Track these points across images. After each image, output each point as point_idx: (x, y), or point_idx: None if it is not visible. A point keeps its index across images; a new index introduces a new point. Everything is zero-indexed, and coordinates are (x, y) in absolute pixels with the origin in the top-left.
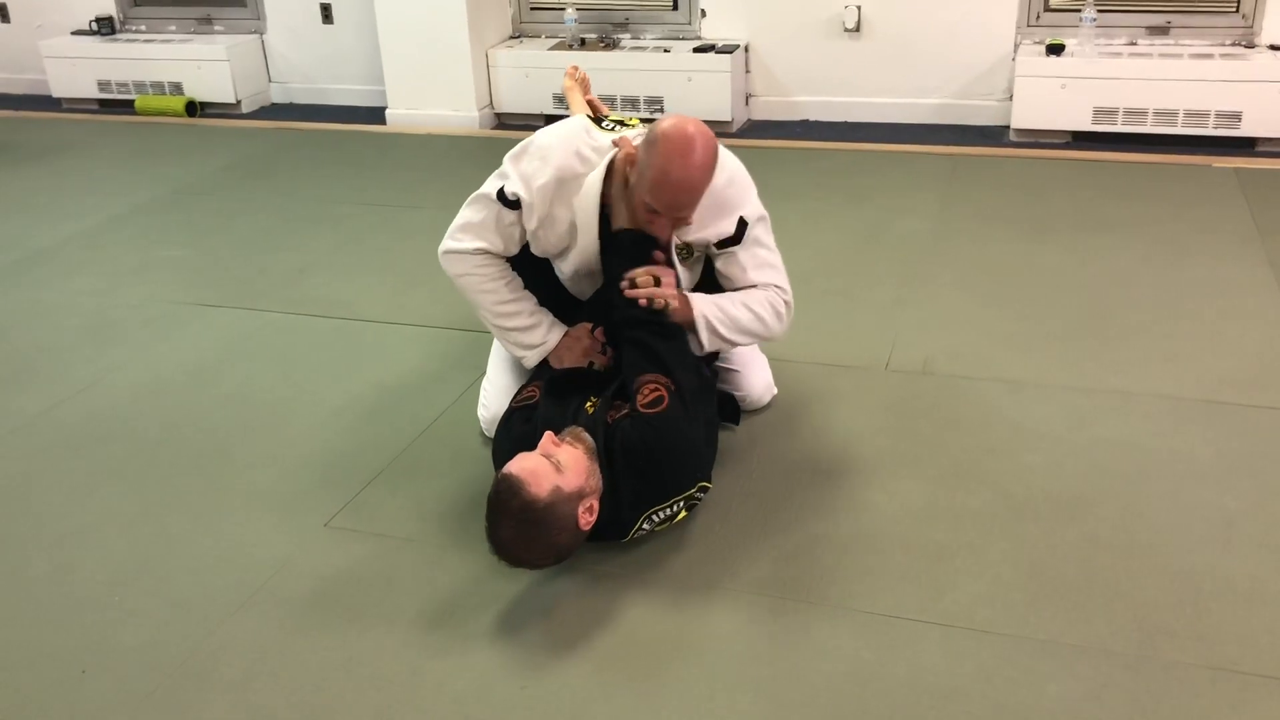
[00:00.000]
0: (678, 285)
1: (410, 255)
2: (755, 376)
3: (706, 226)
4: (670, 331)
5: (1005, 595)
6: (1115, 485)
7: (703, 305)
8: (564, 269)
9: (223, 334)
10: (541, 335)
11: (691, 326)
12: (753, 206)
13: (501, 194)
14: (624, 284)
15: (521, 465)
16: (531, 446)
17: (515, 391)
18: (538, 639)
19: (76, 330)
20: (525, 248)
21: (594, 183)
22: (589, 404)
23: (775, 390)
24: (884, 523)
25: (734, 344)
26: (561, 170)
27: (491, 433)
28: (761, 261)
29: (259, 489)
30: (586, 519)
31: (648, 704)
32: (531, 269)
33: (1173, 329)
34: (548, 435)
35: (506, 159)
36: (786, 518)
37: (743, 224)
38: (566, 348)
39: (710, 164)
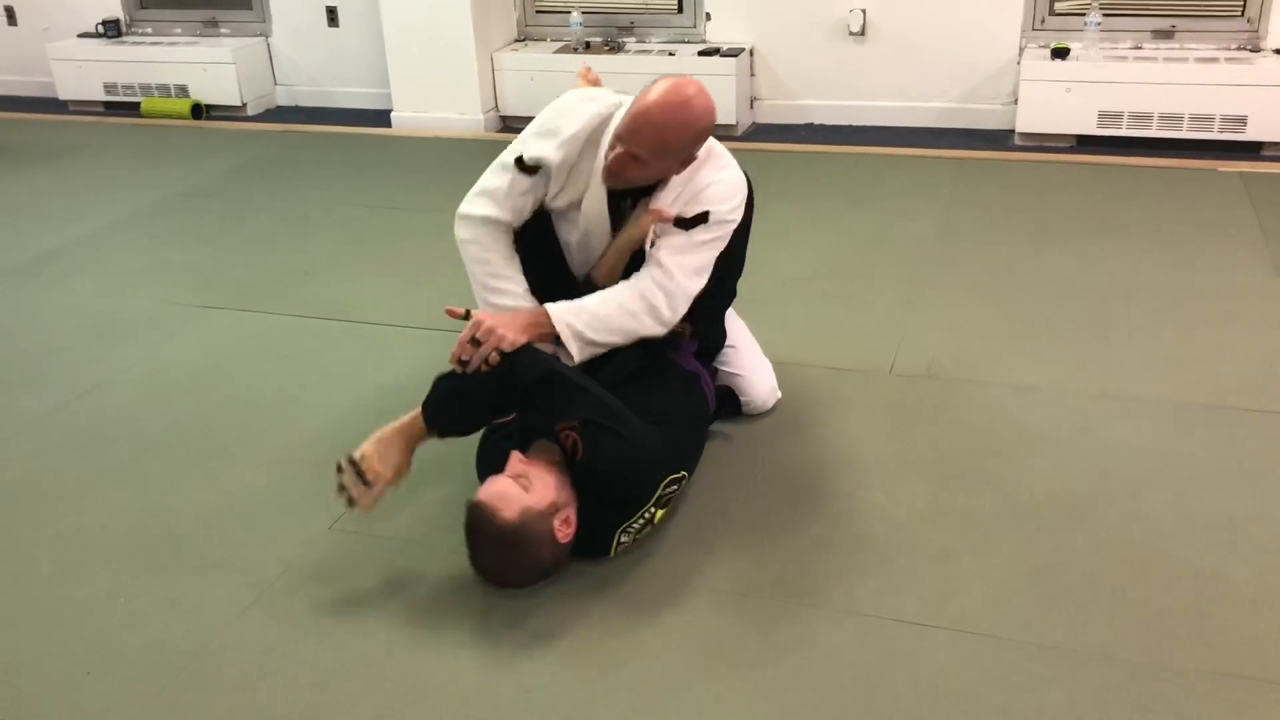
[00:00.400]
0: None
1: (415, 257)
2: (759, 381)
3: (681, 199)
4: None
5: (1010, 599)
6: (1120, 489)
7: (561, 314)
8: (573, 232)
9: (228, 336)
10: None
11: (555, 339)
12: (723, 213)
13: (520, 161)
14: (456, 368)
15: (489, 490)
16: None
17: None
18: (541, 642)
19: (82, 331)
20: (535, 221)
21: (619, 117)
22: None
23: (779, 394)
24: (888, 526)
25: (611, 345)
26: (589, 113)
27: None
28: (684, 246)
29: (263, 491)
30: (565, 531)
31: (651, 707)
32: (534, 246)
33: (1178, 333)
34: (515, 455)
35: (523, 134)
36: (790, 520)
37: (704, 216)
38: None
39: (691, 124)
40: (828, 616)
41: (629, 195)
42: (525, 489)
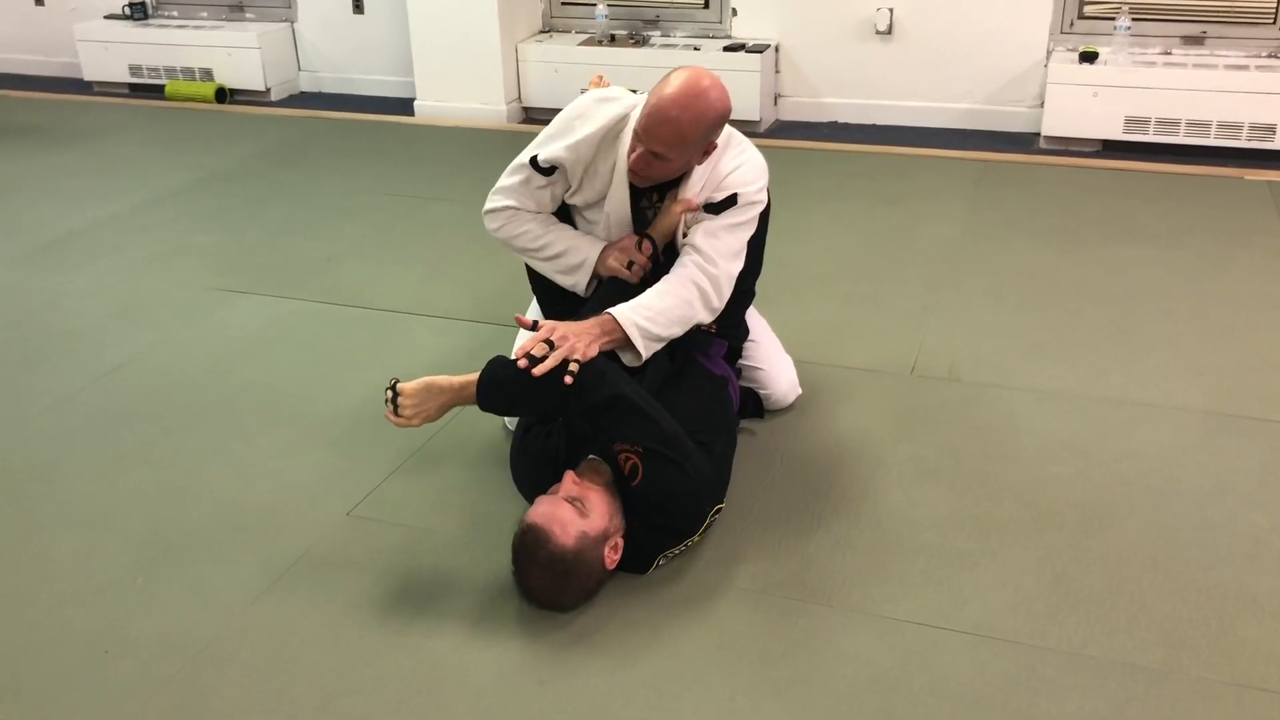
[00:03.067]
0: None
1: (437, 247)
2: (780, 376)
3: (706, 190)
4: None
5: (1029, 605)
6: (1141, 498)
7: (626, 315)
8: (597, 230)
9: (249, 320)
10: (583, 253)
11: (626, 343)
12: (749, 196)
13: (534, 162)
14: (522, 362)
15: (546, 513)
16: (553, 464)
17: None
18: (558, 636)
19: (104, 314)
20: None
21: (633, 122)
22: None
23: (800, 390)
24: (907, 529)
25: (671, 336)
26: (605, 116)
27: (512, 424)
28: (719, 229)
29: (282, 476)
30: (612, 558)
31: (667, 704)
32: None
33: (1201, 341)
34: (569, 476)
35: (552, 125)
36: (809, 520)
37: (733, 199)
38: (609, 254)
39: (707, 115)
40: (845, 618)
41: (653, 191)
42: (581, 514)
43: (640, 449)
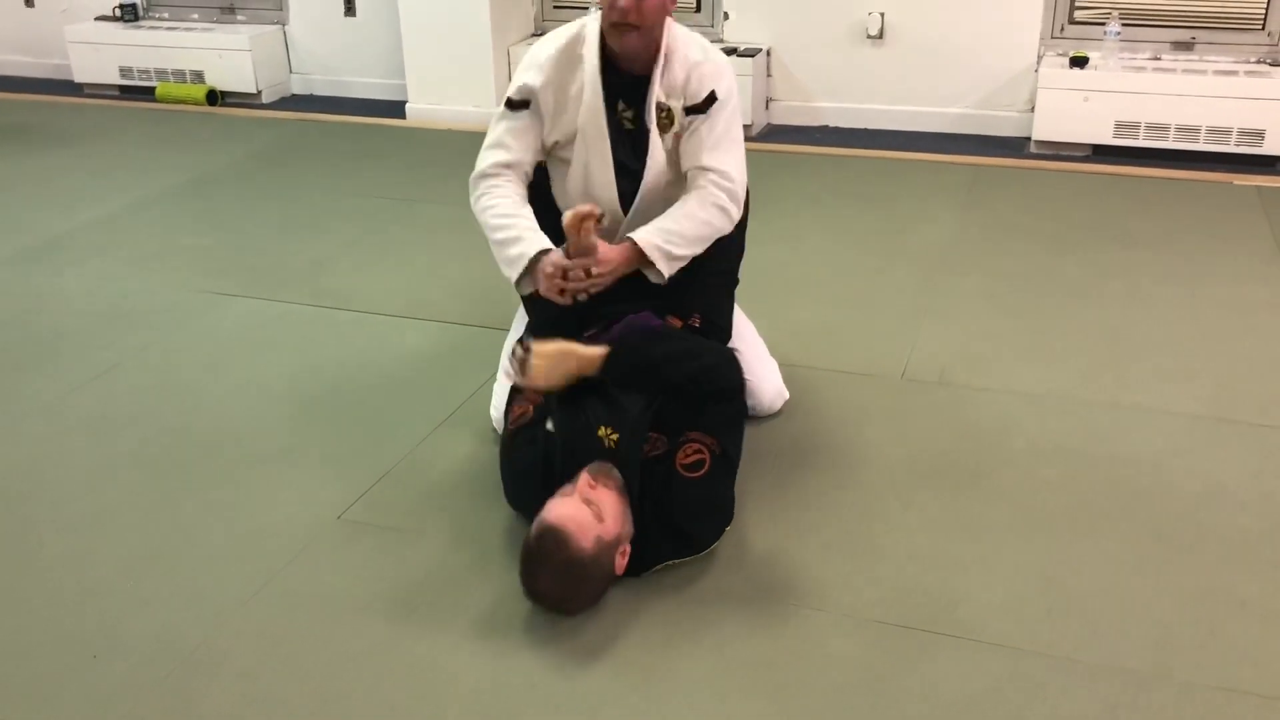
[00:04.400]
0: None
1: (428, 249)
2: (765, 382)
3: (679, 84)
4: (725, 387)
5: (1019, 609)
6: (1132, 502)
7: (647, 236)
8: (575, 173)
9: (239, 323)
10: (521, 249)
11: (646, 261)
12: (726, 89)
13: (509, 102)
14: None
15: (565, 514)
16: (542, 478)
17: (508, 400)
18: (549, 639)
19: (94, 316)
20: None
21: (592, 25)
22: (603, 432)
23: (786, 395)
24: (898, 533)
25: (692, 255)
26: (561, 36)
27: (502, 428)
28: (719, 141)
29: (273, 479)
30: (621, 563)
31: (659, 708)
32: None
33: (1191, 345)
34: (585, 476)
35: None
36: (799, 525)
37: (713, 97)
38: (539, 275)
39: None
40: (836, 622)
41: (619, 99)
42: (598, 517)
43: (718, 448)
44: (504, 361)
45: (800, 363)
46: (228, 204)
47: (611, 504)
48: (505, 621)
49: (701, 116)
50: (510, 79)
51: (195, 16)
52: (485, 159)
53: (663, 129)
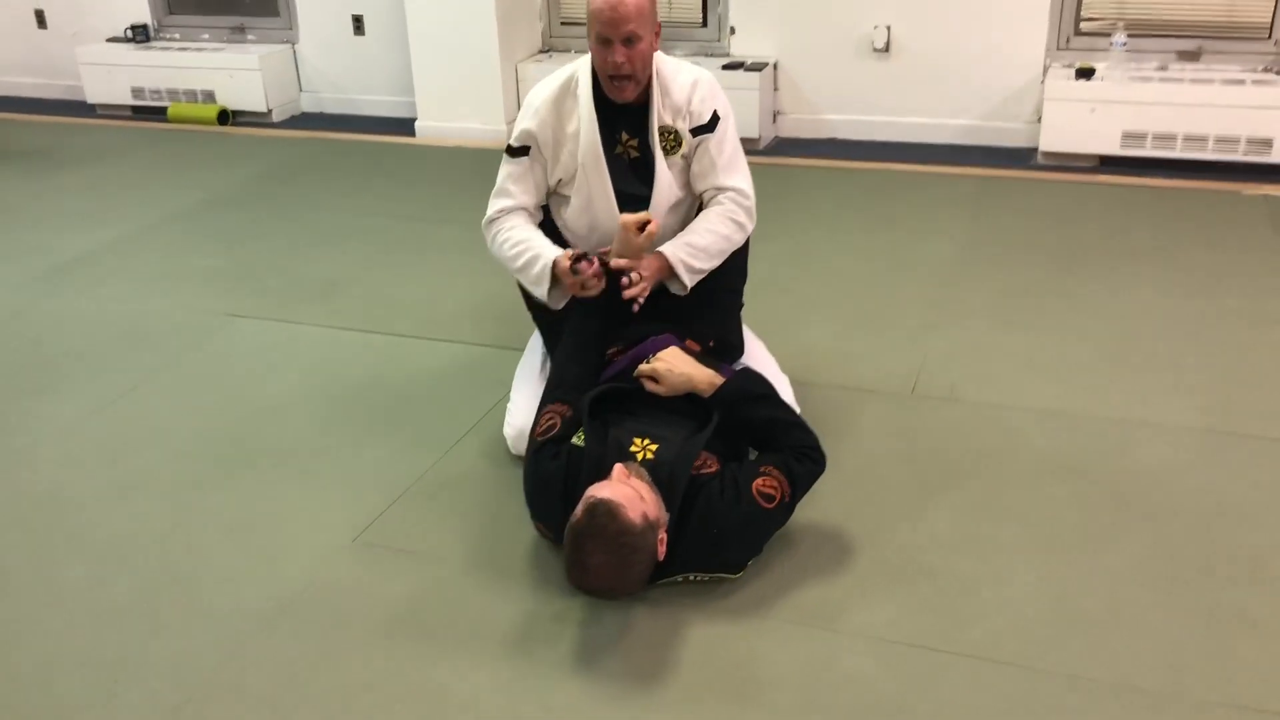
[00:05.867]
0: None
1: (439, 268)
2: None
3: (682, 105)
4: (811, 446)
5: (1031, 628)
6: (1141, 518)
7: (674, 251)
8: (579, 209)
9: (253, 344)
10: (542, 259)
11: (671, 273)
12: (724, 105)
13: (509, 149)
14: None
15: (613, 490)
16: (565, 486)
17: (536, 412)
18: (564, 662)
19: (109, 339)
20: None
21: (584, 67)
22: (640, 443)
23: (798, 410)
24: (910, 551)
25: (710, 269)
26: (555, 81)
27: (516, 449)
28: (730, 160)
29: (288, 502)
30: (661, 550)
31: None
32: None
33: (1200, 359)
34: (618, 469)
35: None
36: (811, 542)
37: (716, 115)
38: (560, 274)
39: None
40: (848, 641)
41: (621, 130)
42: (641, 496)
43: (789, 496)
44: (517, 377)
45: (809, 379)
46: (240, 224)
47: (648, 491)
48: (524, 647)
49: (709, 135)
50: (519, 96)
51: (206, 37)
52: (491, 206)
53: (669, 152)
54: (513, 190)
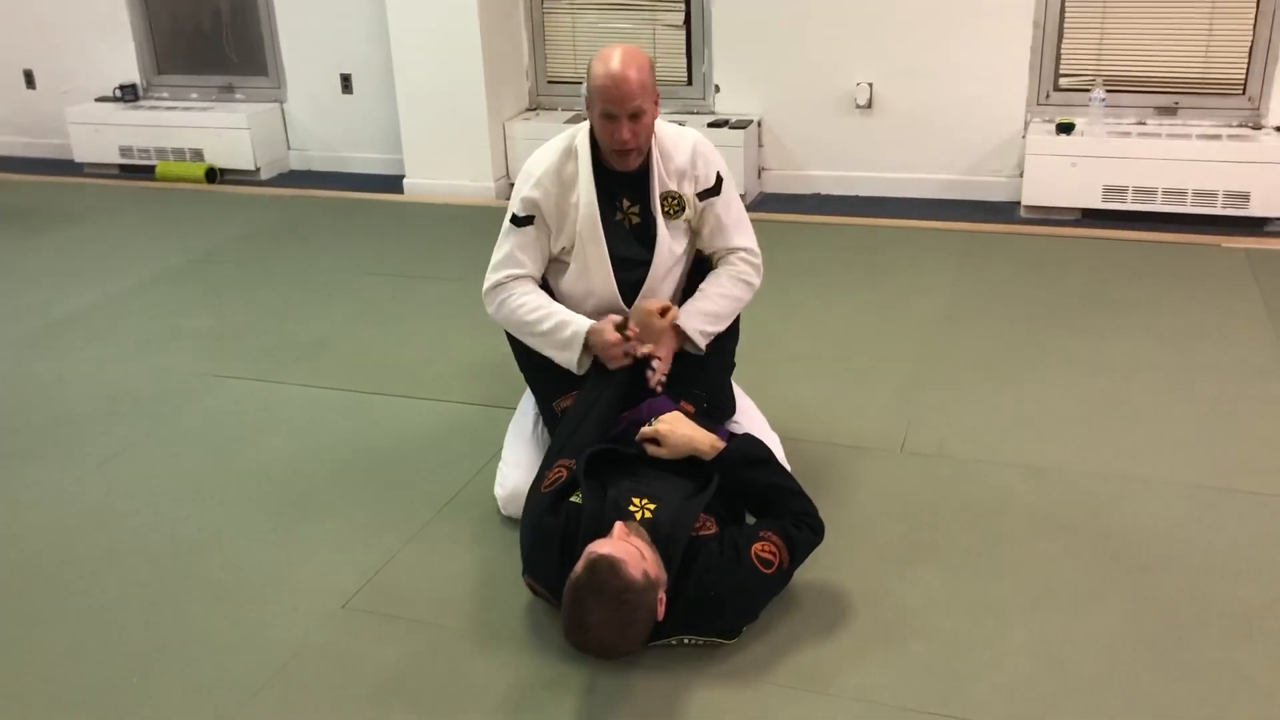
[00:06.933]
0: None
1: (428, 327)
2: None
3: (685, 169)
4: (809, 512)
5: (1025, 689)
6: (1133, 575)
7: (689, 321)
8: (576, 274)
9: (241, 406)
10: (572, 329)
11: (689, 342)
12: (723, 167)
13: (514, 219)
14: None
15: (615, 547)
16: (564, 542)
17: (540, 469)
18: None
19: (96, 402)
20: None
21: (583, 136)
22: (639, 503)
23: (789, 469)
24: (902, 611)
25: (721, 330)
26: (554, 150)
27: (507, 511)
28: (738, 219)
29: (276, 567)
30: (660, 611)
31: None
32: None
33: (1186, 413)
34: (619, 527)
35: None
36: (801, 602)
37: (719, 177)
38: (597, 346)
39: (639, 59)
40: (840, 704)
41: (622, 198)
42: (642, 555)
43: (788, 563)
44: (508, 439)
45: (797, 436)
46: (228, 284)
47: (648, 550)
48: (519, 716)
49: (716, 198)
50: (507, 153)
51: (194, 96)
52: (499, 273)
53: (672, 216)
54: (522, 259)
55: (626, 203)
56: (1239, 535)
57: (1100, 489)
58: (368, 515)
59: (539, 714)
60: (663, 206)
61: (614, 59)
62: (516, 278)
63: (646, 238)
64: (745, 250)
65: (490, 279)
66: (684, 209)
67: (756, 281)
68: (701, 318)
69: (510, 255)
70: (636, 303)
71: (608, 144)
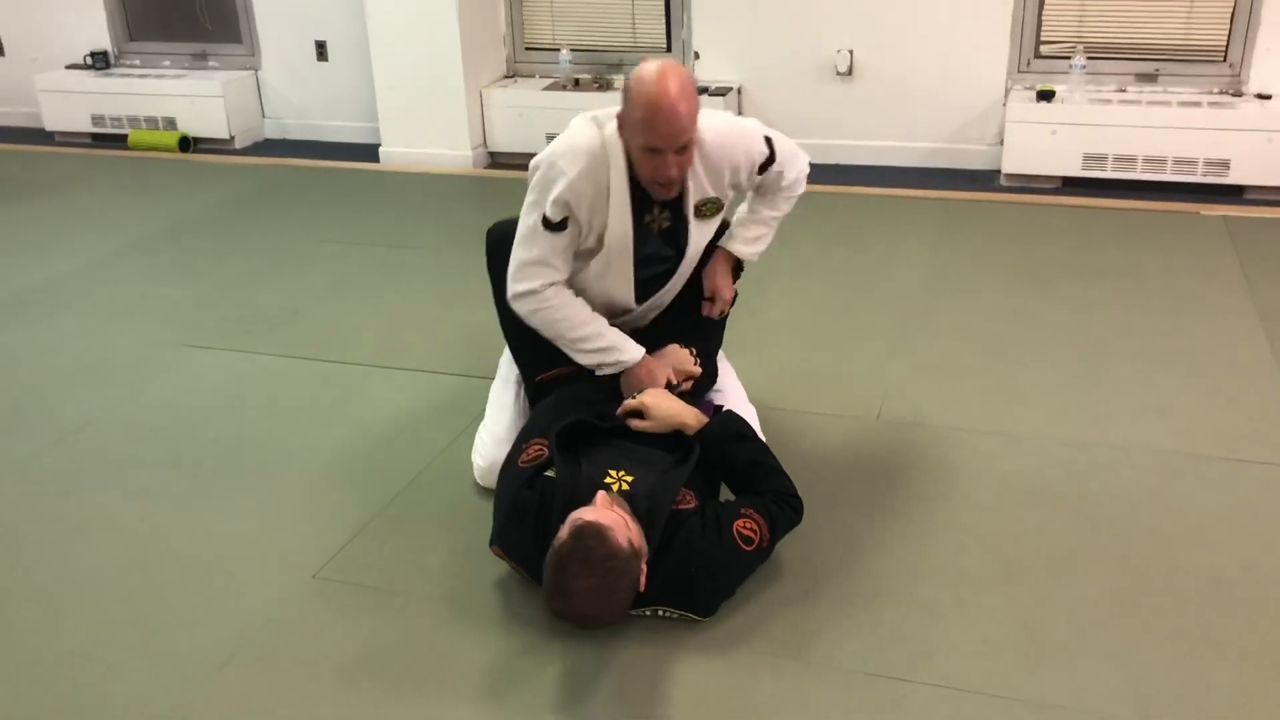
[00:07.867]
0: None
1: (403, 297)
2: None
3: (724, 176)
4: (790, 493)
5: (997, 655)
6: (1108, 542)
7: (742, 249)
8: (597, 273)
9: (214, 377)
10: (618, 356)
11: (740, 266)
12: (757, 124)
13: (547, 223)
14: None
15: (600, 514)
16: (539, 517)
17: (515, 443)
18: (527, 698)
19: (66, 371)
20: None
21: (613, 139)
22: (615, 474)
23: (763, 439)
24: (875, 579)
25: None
26: (583, 152)
27: (485, 481)
28: (788, 153)
29: (247, 538)
30: (642, 581)
31: None
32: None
33: (1163, 380)
34: (601, 495)
35: (530, 191)
36: (776, 572)
37: (770, 150)
38: (648, 371)
39: (687, 86)
40: (815, 671)
41: (654, 205)
42: (625, 523)
43: (768, 542)
44: (489, 408)
45: (775, 405)
46: (201, 253)
47: (631, 520)
48: (492, 688)
49: (773, 165)
50: (484, 121)
51: (167, 63)
52: (534, 280)
53: (707, 216)
54: (557, 264)
55: (658, 209)
56: (1213, 501)
57: (1076, 456)
58: (340, 485)
59: (513, 684)
60: (697, 213)
61: (663, 88)
62: (553, 284)
63: (674, 238)
64: (800, 174)
65: (523, 284)
66: (720, 209)
67: (803, 183)
68: (749, 242)
69: (544, 260)
70: (647, 383)
71: (649, 177)
